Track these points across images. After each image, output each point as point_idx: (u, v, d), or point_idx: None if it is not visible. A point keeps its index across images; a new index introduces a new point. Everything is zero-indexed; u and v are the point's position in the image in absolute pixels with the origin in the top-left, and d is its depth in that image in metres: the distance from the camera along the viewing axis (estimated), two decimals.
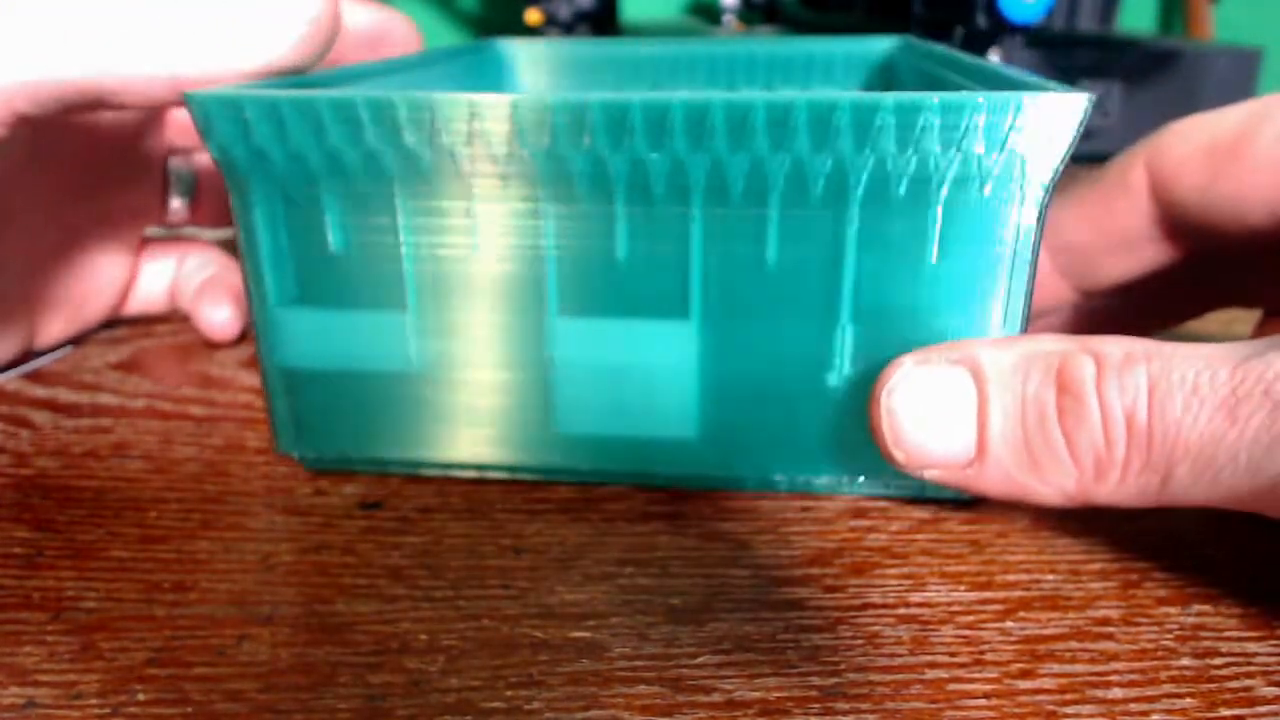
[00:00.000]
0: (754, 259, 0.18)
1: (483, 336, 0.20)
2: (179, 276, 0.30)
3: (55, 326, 0.27)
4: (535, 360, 0.20)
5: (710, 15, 0.86)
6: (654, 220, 0.18)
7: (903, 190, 0.17)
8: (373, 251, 0.19)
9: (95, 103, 0.20)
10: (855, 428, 0.19)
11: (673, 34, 0.69)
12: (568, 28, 0.65)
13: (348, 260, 0.19)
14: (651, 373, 0.19)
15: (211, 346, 0.29)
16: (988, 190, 0.17)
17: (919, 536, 0.19)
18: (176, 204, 0.29)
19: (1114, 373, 0.15)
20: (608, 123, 0.17)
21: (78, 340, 0.28)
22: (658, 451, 0.20)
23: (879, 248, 0.18)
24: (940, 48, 0.28)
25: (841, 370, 0.19)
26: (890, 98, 0.17)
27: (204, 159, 0.30)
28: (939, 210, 0.18)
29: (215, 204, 0.30)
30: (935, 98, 0.16)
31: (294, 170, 0.18)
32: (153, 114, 0.27)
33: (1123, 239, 0.21)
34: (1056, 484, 0.16)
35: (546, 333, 0.19)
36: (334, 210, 0.19)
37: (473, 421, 0.20)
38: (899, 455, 0.17)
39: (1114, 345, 0.16)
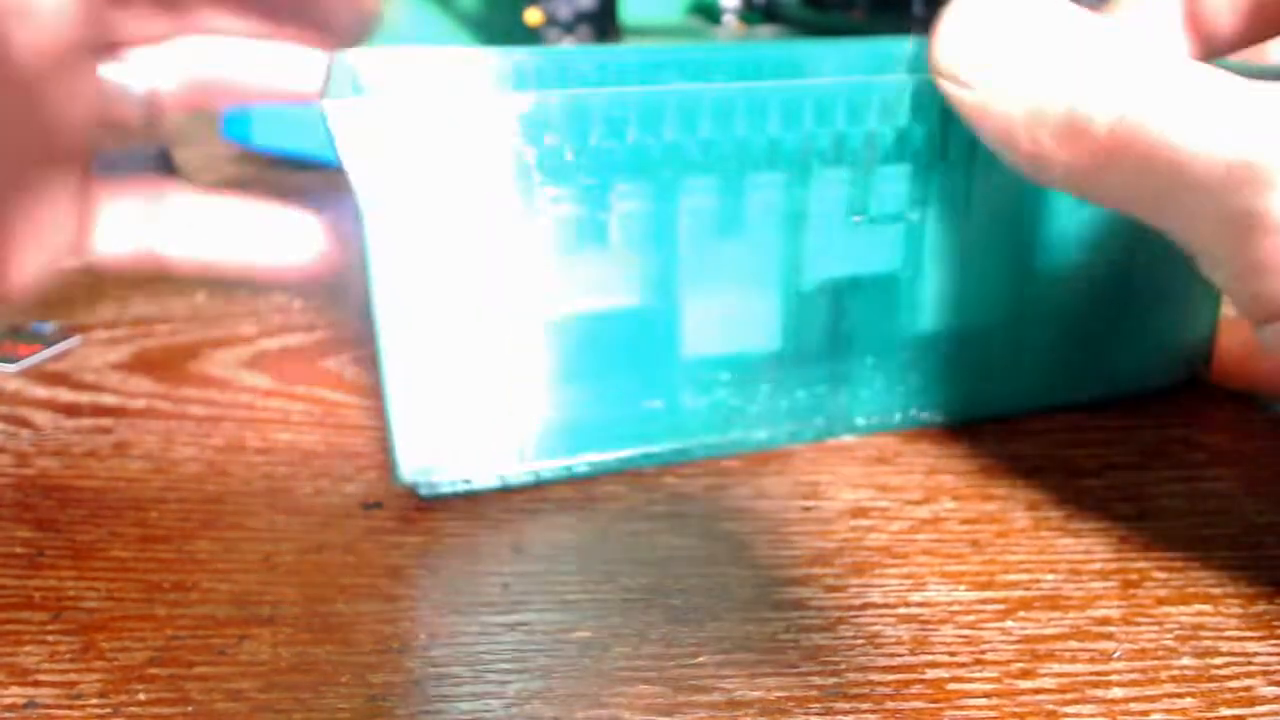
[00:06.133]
0: None
1: None
2: (155, 219, 0.28)
3: (18, 264, 0.24)
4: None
5: (710, 15, 0.86)
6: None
7: None
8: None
9: None
10: None
11: (673, 34, 0.69)
12: (568, 28, 0.65)
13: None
14: None
15: (214, 345, 0.29)
16: None
17: (919, 536, 0.19)
18: (138, 113, 0.27)
19: (1143, 71, 0.16)
20: None
21: (82, 344, 0.28)
22: None
23: None
24: None
25: None
26: None
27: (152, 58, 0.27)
28: None
29: (175, 104, 0.28)
30: None
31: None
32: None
33: None
34: (1046, 154, 0.17)
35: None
36: None
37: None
38: (938, 41, 0.18)
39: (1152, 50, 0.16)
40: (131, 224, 0.28)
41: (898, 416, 0.23)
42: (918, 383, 0.23)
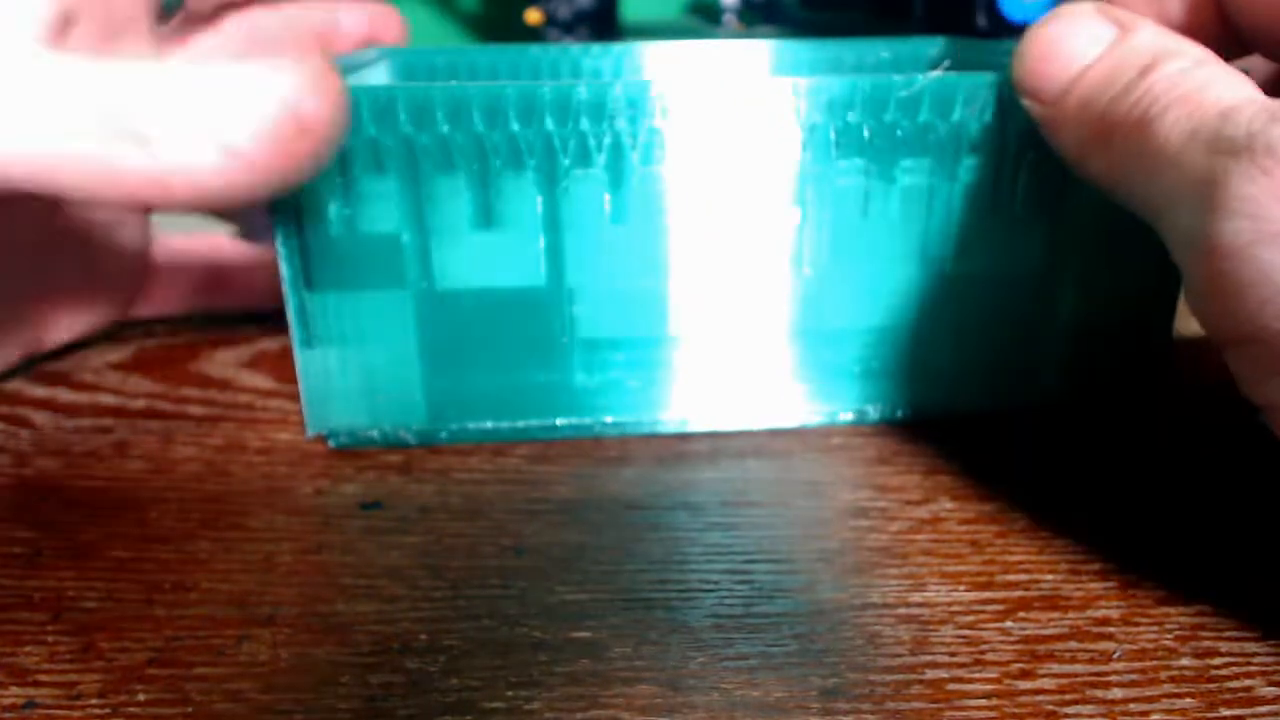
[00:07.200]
0: None
1: None
2: (205, 267, 0.30)
3: (64, 321, 0.26)
4: None
5: (710, 15, 0.86)
6: None
7: None
8: None
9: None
10: None
11: (673, 33, 0.69)
12: (568, 28, 0.65)
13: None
14: None
15: (214, 345, 0.29)
16: None
17: (919, 536, 0.19)
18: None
19: (1171, 76, 0.16)
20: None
21: (87, 341, 0.28)
22: None
23: None
24: None
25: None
26: None
27: None
28: None
29: None
30: None
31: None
32: None
33: None
34: (1085, 148, 0.18)
35: None
36: None
37: None
38: (1016, 72, 0.19)
39: (1202, 63, 0.16)
40: (188, 291, 0.30)
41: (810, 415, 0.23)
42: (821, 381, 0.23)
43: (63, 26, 0.20)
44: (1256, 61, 0.21)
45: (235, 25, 0.29)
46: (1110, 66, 0.17)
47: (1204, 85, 0.16)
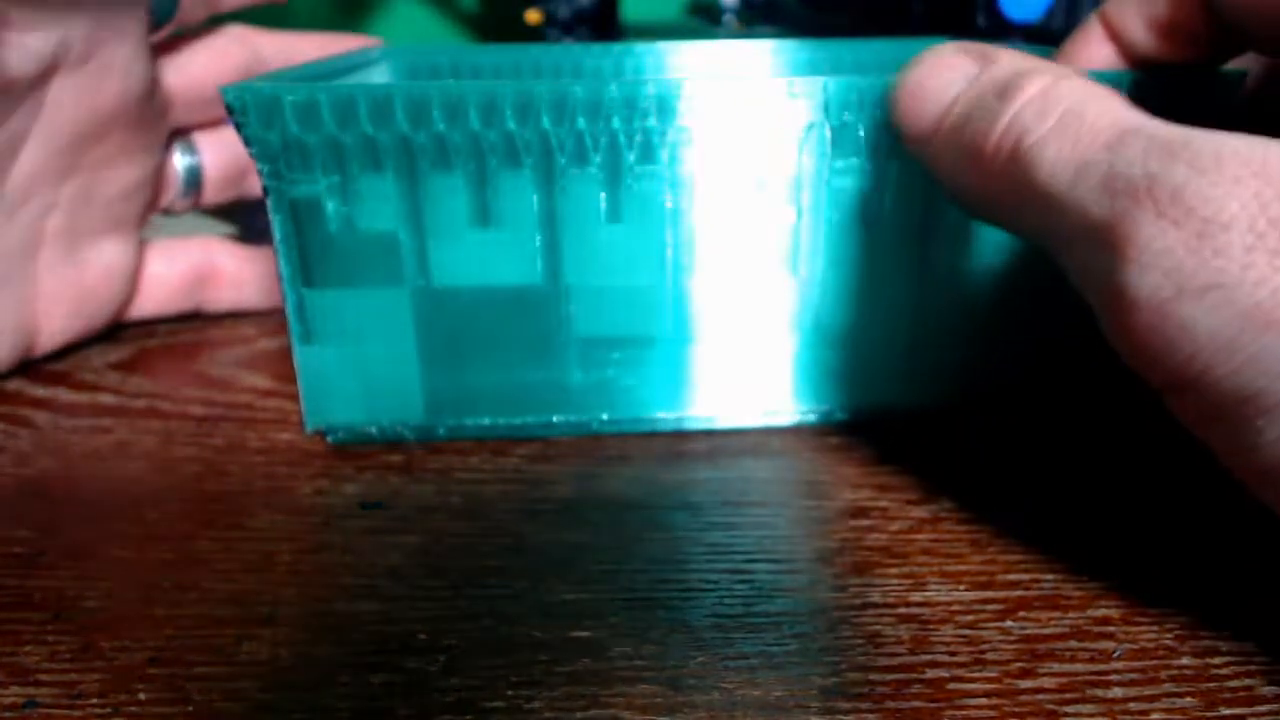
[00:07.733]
0: None
1: None
2: (203, 285, 0.30)
3: (56, 325, 0.27)
4: None
5: (710, 15, 0.86)
6: None
7: None
8: None
9: None
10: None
11: (673, 34, 0.69)
12: (568, 28, 0.65)
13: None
14: None
15: (214, 345, 0.29)
16: None
17: (919, 536, 0.19)
18: (181, 191, 0.29)
19: (1036, 100, 0.15)
20: None
21: (87, 341, 0.28)
22: None
23: None
24: None
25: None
26: None
27: (208, 142, 0.29)
28: None
29: (219, 190, 0.30)
30: None
31: None
32: (153, 87, 0.26)
33: None
34: (961, 181, 0.17)
35: None
36: None
37: None
38: (892, 115, 0.18)
39: (1060, 79, 0.16)
40: (178, 291, 0.30)
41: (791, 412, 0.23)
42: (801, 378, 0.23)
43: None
44: (1250, 59, 0.21)
45: (236, 49, 0.29)
46: (973, 95, 0.17)
47: (1076, 110, 0.15)
